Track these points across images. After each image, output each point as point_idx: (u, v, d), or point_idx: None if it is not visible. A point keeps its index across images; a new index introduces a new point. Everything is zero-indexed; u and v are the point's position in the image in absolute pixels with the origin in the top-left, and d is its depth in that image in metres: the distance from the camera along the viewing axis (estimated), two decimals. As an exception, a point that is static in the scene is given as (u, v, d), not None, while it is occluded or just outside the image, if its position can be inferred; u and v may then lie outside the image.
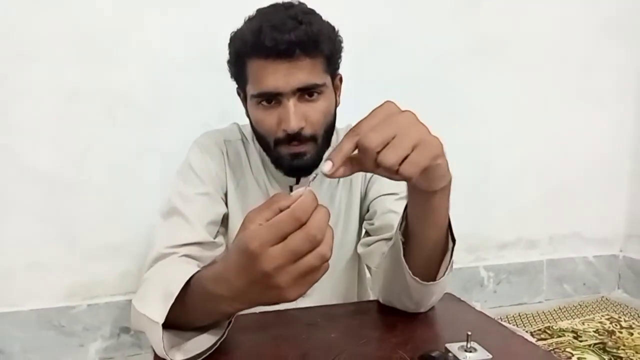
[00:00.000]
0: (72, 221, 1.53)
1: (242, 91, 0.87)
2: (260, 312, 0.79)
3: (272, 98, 0.79)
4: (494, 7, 1.92)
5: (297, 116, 0.78)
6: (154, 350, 0.66)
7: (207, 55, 1.57)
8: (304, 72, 0.77)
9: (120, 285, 1.59)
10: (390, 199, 0.90)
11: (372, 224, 0.91)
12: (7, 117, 1.45)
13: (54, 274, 1.53)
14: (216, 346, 0.64)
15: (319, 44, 0.78)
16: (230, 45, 0.84)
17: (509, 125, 2.02)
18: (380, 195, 0.92)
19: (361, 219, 0.99)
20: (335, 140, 0.92)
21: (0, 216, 1.47)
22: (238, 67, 0.83)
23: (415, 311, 0.77)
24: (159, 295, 0.62)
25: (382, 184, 0.94)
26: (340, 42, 0.86)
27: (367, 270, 1.00)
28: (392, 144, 0.49)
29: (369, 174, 0.96)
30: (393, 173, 0.50)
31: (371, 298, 1.05)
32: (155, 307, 0.61)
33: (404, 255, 0.70)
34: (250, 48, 0.78)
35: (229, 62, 0.86)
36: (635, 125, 2.21)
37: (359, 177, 0.97)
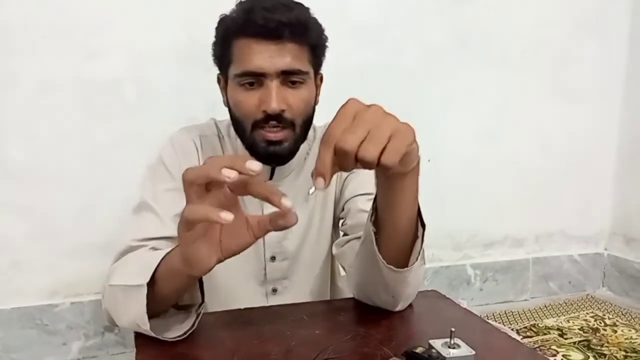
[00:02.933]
0: (52, 217, 1.51)
1: (223, 75, 0.87)
2: (245, 309, 0.79)
3: (254, 80, 0.80)
4: (477, 2, 1.93)
5: (278, 98, 0.78)
6: (136, 347, 0.65)
7: (192, 47, 1.56)
8: (290, 56, 0.79)
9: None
10: (363, 199, 0.90)
11: (345, 223, 0.92)
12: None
13: (36, 272, 1.51)
14: (194, 327, 0.67)
15: (307, 30, 0.81)
16: (218, 25, 0.85)
17: (493, 122, 2.03)
18: (355, 196, 0.92)
19: (335, 220, 0.99)
20: (312, 135, 0.93)
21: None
22: (224, 47, 0.83)
23: (392, 306, 0.76)
24: (138, 268, 0.65)
25: (356, 185, 0.93)
26: (326, 39, 0.87)
27: (341, 270, 1.00)
28: (368, 139, 0.50)
29: (343, 175, 0.96)
30: (373, 166, 0.51)
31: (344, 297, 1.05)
32: (137, 275, 0.64)
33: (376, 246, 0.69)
34: (240, 26, 0.79)
35: (214, 43, 0.86)
36: (619, 124, 2.23)
37: (333, 179, 0.96)
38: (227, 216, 0.48)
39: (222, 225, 0.55)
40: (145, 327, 0.63)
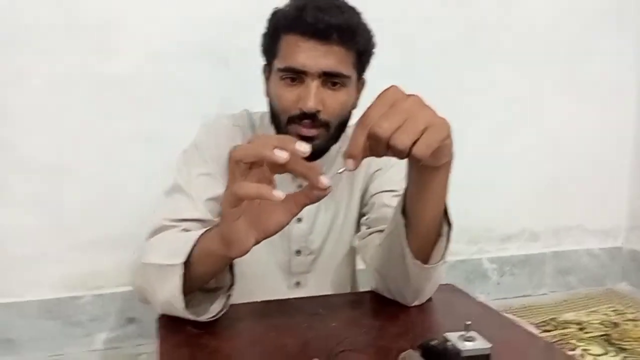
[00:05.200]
0: (73, 211, 1.54)
1: (268, 67, 0.89)
2: (262, 302, 0.80)
3: (296, 76, 0.80)
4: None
5: (316, 98, 0.79)
6: (158, 338, 0.67)
7: (205, 44, 1.57)
8: (334, 59, 0.80)
9: (126, 276, 1.60)
10: (388, 195, 0.90)
11: (368, 218, 0.93)
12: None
13: (60, 265, 1.55)
14: (224, 309, 0.70)
15: (356, 35, 0.81)
16: (270, 18, 0.86)
17: (510, 115, 2.01)
18: (380, 192, 0.93)
19: (359, 216, 0.99)
20: (344, 136, 0.92)
21: (2, 208, 1.49)
22: (272, 40, 0.85)
23: (411, 302, 0.77)
24: (173, 248, 0.67)
25: (382, 181, 0.94)
26: (374, 45, 0.88)
27: (361, 263, 1.00)
28: (403, 128, 0.50)
29: (371, 170, 0.97)
30: (404, 156, 0.52)
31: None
32: (172, 255, 0.66)
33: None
34: (291, 22, 0.80)
35: (264, 35, 0.88)
36: (636, 116, 2.19)
37: (361, 173, 0.97)
38: (279, 194, 0.49)
39: (260, 205, 0.56)
40: (180, 306, 0.65)
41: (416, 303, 0.78)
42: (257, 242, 0.57)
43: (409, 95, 0.53)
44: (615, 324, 1.80)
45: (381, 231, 0.82)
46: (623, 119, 2.19)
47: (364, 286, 0.96)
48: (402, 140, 0.50)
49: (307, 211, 0.93)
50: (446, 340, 0.59)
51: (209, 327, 0.68)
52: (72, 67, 1.49)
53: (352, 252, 1.01)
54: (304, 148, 0.50)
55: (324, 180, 0.51)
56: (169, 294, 0.66)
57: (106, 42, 1.51)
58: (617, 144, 2.19)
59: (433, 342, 0.59)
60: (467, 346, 0.57)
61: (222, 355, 0.63)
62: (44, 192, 1.51)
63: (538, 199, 2.10)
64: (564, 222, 2.17)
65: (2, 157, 1.47)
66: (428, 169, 0.62)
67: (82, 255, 1.56)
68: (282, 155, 0.49)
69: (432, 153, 0.52)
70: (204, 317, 0.68)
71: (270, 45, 0.85)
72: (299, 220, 0.94)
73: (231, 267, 0.71)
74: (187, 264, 0.65)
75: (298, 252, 0.95)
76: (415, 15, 1.81)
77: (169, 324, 0.69)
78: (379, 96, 0.53)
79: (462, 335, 0.59)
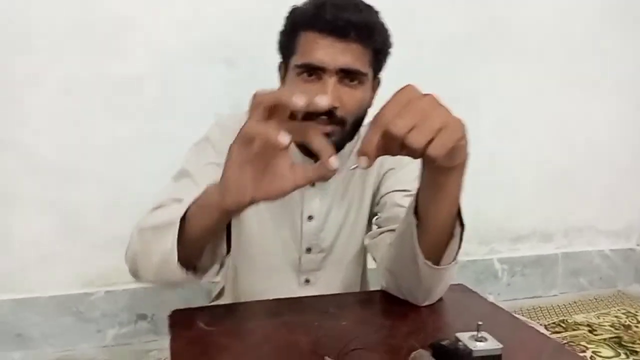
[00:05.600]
0: (82, 212, 1.55)
1: (284, 64, 0.89)
2: (273, 300, 0.80)
3: (313, 72, 0.81)
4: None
5: (333, 94, 0.80)
6: (170, 334, 0.68)
7: (214, 44, 1.57)
8: (352, 56, 0.80)
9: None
10: (400, 195, 0.90)
11: (380, 217, 0.93)
12: (11, 109, 1.46)
13: (72, 263, 1.56)
14: (218, 275, 0.72)
15: (373, 34, 0.82)
16: (288, 15, 0.87)
17: (520, 114, 1.99)
18: (392, 191, 0.93)
19: (371, 215, 0.99)
20: (357, 138, 0.93)
21: (15, 208, 1.50)
22: (290, 37, 0.85)
23: (422, 302, 0.77)
24: (169, 212, 0.68)
25: (394, 181, 0.94)
26: (391, 44, 0.88)
27: (371, 262, 1.01)
28: (418, 127, 0.50)
29: (383, 170, 0.97)
30: (419, 155, 0.52)
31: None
32: (169, 215, 0.67)
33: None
34: (309, 19, 0.81)
35: (281, 32, 0.88)
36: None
37: (373, 172, 0.97)
38: (284, 138, 0.49)
39: (267, 164, 0.54)
40: (174, 260, 0.65)
41: (427, 303, 0.77)
42: (253, 202, 0.55)
43: (425, 95, 0.53)
44: (627, 327, 1.79)
45: (392, 230, 0.82)
46: (633, 117, 2.17)
47: (374, 285, 0.97)
48: (417, 140, 0.50)
49: (319, 209, 0.94)
50: (457, 340, 0.59)
51: (220, 324, 0.69)
52: (82, 70, 1.50)
53: (363, 251, 1.01)
54: (323, 101, 0.49)
55: (333, 161, 0.51)
56: (163, 252, 0.65)
57: (116, 44, 1.51)
58: (629, 142, 2.17)
59: (444, 342, 0.59)
60: (478, 346, 0.57)
61: (234, 352, 0.63)
62: (56, 193, 1.52)
63: (550, 199, 2.08)
64: (576, 222, 2.16)
65: (14, 159, 1.48)
66: (442, 169, 0.61)
67: (93, 252, 1.58)
68: (299, 101, 0.48)
69: (447, 153, 0.52)
70: (197, 277, 0.69)
71: (288, 42, 0.86)
72: (310, 217, 0.94)
73: (228, 237, 0.70)
74: (182, 224, 0.65)
75: (309, 250, 0.95)
76: (422, 15, 1.80)
77: (181, 321, 0.70)
78: (394, 95, 0.52)
79: (473, 336, 0.59)
